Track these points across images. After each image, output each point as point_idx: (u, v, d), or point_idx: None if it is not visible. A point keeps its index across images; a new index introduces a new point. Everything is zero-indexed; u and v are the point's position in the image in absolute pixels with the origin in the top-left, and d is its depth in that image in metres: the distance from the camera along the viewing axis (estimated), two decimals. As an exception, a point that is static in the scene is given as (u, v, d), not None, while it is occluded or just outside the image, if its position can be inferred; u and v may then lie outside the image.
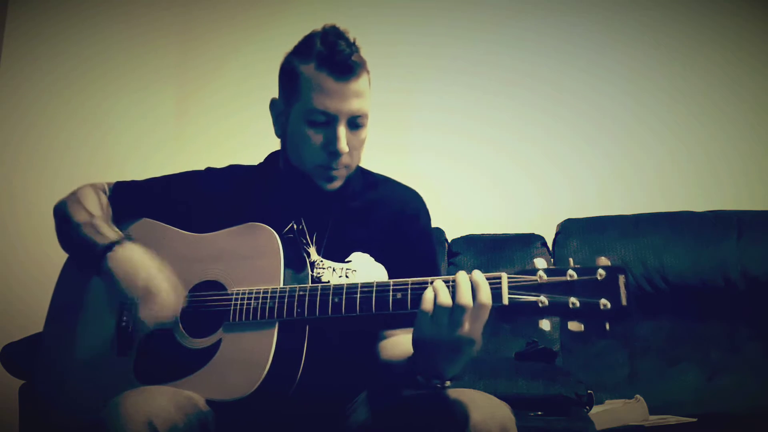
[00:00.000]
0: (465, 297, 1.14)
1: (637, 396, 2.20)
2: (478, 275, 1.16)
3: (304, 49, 1.39)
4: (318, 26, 1.42)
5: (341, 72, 1.34)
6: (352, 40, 1.38)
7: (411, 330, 1.22)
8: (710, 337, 2.55)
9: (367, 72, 1.41)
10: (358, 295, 1.25)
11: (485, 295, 1.14)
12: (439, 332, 1.16)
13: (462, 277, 1.16)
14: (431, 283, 1.18)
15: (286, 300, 1.28)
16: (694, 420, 2.10)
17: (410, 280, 1.22)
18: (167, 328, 1.35)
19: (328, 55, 1.34)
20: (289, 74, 1.42)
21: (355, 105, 1.36)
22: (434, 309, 1.16)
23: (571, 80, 3.04)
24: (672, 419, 2.09)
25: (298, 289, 1.28)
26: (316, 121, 1.37)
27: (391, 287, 1.23)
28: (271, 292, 1.30)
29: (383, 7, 3.16)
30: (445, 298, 1.15)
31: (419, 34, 3.14)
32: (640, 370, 2.54)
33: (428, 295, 1.17)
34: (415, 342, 1.22)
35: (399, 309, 1.22)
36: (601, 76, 3.02)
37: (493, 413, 1.16)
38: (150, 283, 1.33)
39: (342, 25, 1.40)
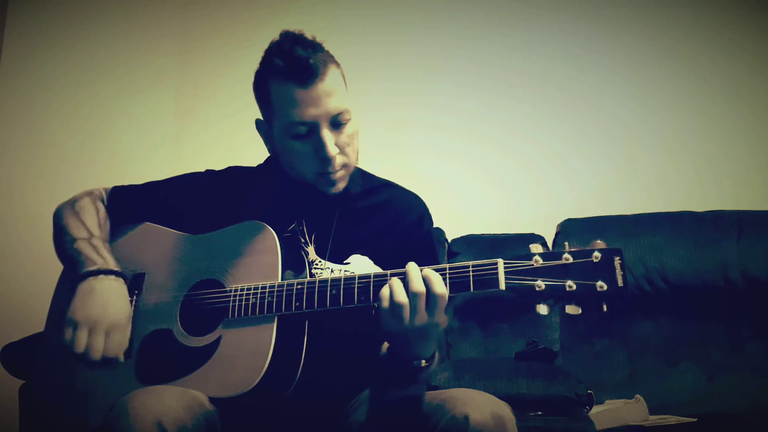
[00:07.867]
0: (416, 284, 1.18)
1: (637, 396, 2.20)
2: (427, 270, 1.19)
3: (267, 65, 1.38)
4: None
5: (305, 78, 1.33)
6: (311, 39, 1.37)
7: None
8: (710, 337, 2.55)
9: (336, 65, 1.39)
10: (356, 287, 1.25)
11: (438, 286, 1.18)
12: (401, 325, 1.19)
13: (410, 266, 1.20)
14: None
15: (284, 294, 1.28)
16: (694, 420, 2.09)
17: (405, 270, 1.22)
18: (102, 365, 1.32)
19: (288, 66, 1.33)
20: (261, 93, 1.42)
21: (330, 105, 1.35)
22: (390, 305, 1.19)
23: (572, 80, 3.04)
24: (672, 419, 2.09)
25: (296, 283, 1.29)
26: (299, 133, 1.36)
27: (389, 278, 1.23)
28: (270, 287, 1.30)
29: (385, 7, 3.16)
30: (401, 295, 1.18)
31: (420, 35, 3.14)
32: (640, 370, 2.53)
33: (384, 293, 1.20)
34: (385, 334, 1.25)
35: None
36: (601, 76, 3.03)
37: (493, 413, 1.16)
38: (118, 320, 1.33)
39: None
